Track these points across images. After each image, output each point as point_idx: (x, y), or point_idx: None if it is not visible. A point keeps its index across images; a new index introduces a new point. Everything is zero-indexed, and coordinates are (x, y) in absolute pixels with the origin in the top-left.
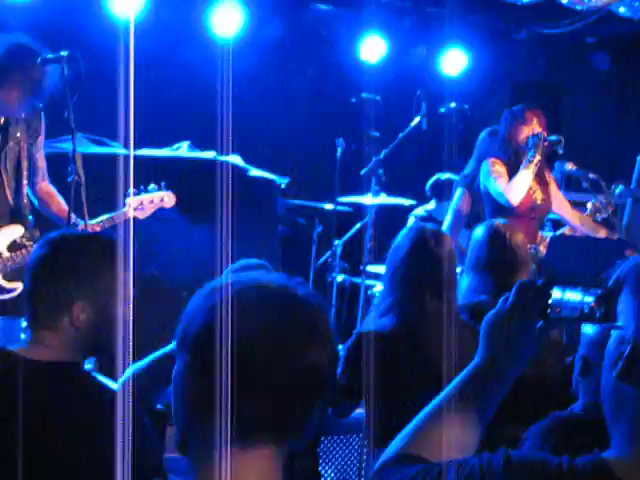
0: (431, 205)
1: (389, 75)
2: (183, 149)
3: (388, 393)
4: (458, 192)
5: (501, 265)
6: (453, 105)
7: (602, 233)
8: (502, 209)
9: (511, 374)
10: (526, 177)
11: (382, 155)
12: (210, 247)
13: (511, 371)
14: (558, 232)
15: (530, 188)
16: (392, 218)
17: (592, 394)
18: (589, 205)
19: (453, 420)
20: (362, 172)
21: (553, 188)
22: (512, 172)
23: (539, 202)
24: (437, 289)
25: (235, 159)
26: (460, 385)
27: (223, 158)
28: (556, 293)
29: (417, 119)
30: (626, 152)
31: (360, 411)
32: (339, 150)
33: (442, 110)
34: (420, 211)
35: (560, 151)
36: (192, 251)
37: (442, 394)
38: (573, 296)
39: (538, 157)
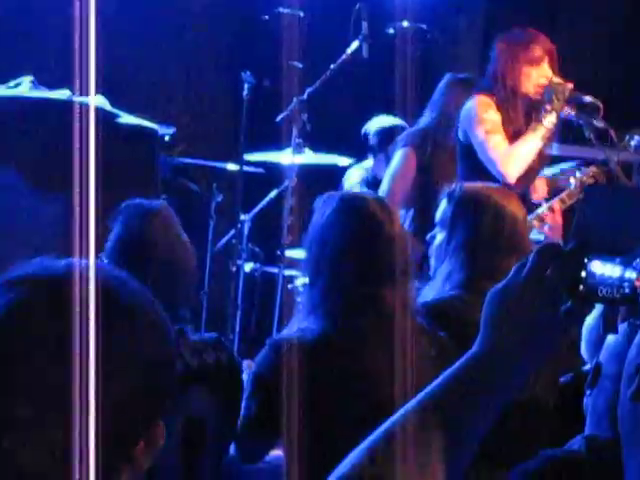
0: (370, 162)
1: None
2: (23, 87)
3: (316, 426)
4: (399, 153)
5: (490, 245)
6: (406, 24)
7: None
8: (484, 173)
9: (521, 371)
10: (533, 145)
11: (306, 95)
12: (65, 227)
13: (522, 367)
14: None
15: None
16: (321, 183)
17: (596, 422)
18: (572, 180)
19: (425, 440)
20: (278, 119)
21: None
22: (510, 126)
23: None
24: (383, 280)
25: (99, 101)
26: (445, 386)
27: (81, 99)
28: (596, 265)
29: (355, 44)
30: None
31: (277, 453)
32: (246, 88)
33: (390, 31)
34: (360, 172)
35: (598, 124)
36: (39, 232)
37: (413, 401)
38: (609, 270)
39: (553, 119)
